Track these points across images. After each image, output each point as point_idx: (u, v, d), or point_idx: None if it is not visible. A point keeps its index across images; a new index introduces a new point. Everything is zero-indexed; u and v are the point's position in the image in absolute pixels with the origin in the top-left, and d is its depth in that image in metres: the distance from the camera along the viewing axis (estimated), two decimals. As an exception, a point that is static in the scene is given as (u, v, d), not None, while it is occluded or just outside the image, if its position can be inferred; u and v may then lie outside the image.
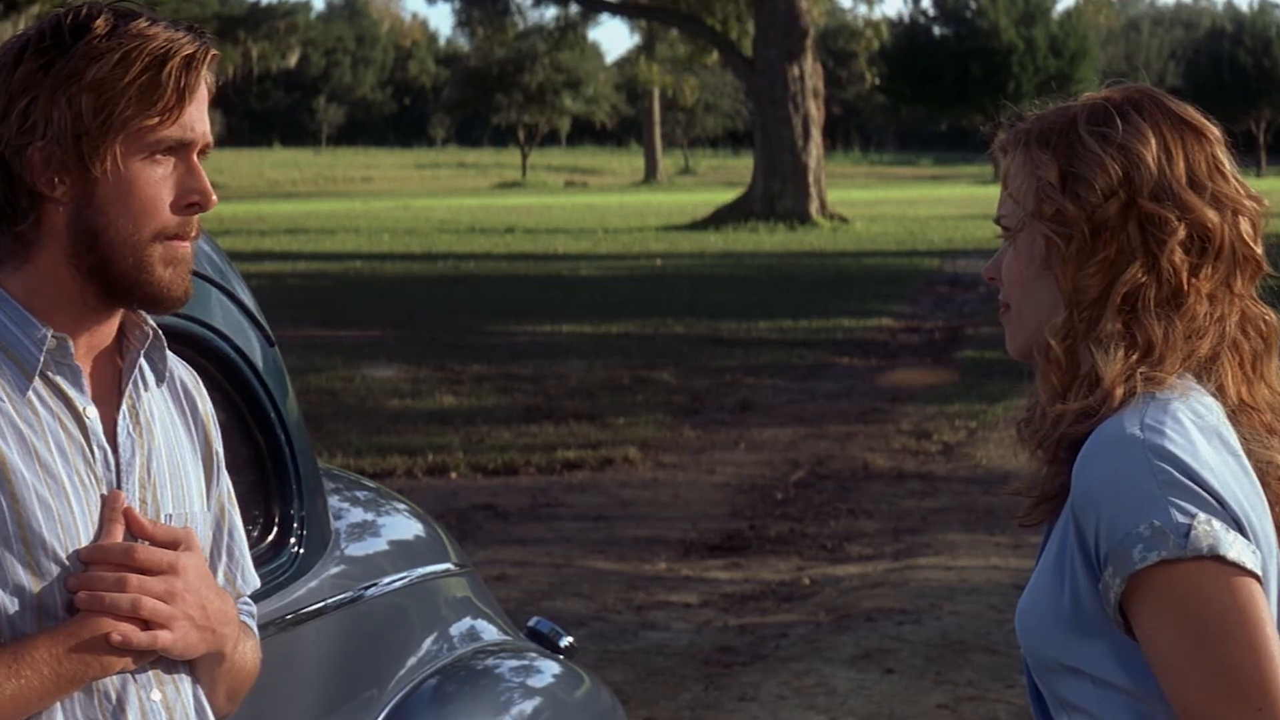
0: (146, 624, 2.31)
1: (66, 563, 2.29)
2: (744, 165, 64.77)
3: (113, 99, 2.27)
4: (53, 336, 2.31)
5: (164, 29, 2.31)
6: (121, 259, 2.32)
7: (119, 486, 2.35)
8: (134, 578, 2.30)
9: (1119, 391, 2.28)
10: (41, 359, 2.31)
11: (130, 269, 2.32)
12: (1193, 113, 2.39)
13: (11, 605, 2.27)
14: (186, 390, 2.53)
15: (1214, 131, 2.38)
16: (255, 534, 3.29)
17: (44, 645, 2.26)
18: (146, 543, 2.35)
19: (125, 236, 2.31)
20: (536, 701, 3.77)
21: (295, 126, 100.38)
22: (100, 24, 2.28)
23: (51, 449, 2.30)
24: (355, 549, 3.66)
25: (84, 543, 2.30)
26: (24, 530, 2.26)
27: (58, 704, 2.29)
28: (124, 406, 2.39)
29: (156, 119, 2.30)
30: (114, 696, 2.33)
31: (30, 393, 2.31)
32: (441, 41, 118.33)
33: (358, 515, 3.85)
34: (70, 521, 2.30)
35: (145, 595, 2.31)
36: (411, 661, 3.57)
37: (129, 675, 2.33)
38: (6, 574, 2.26)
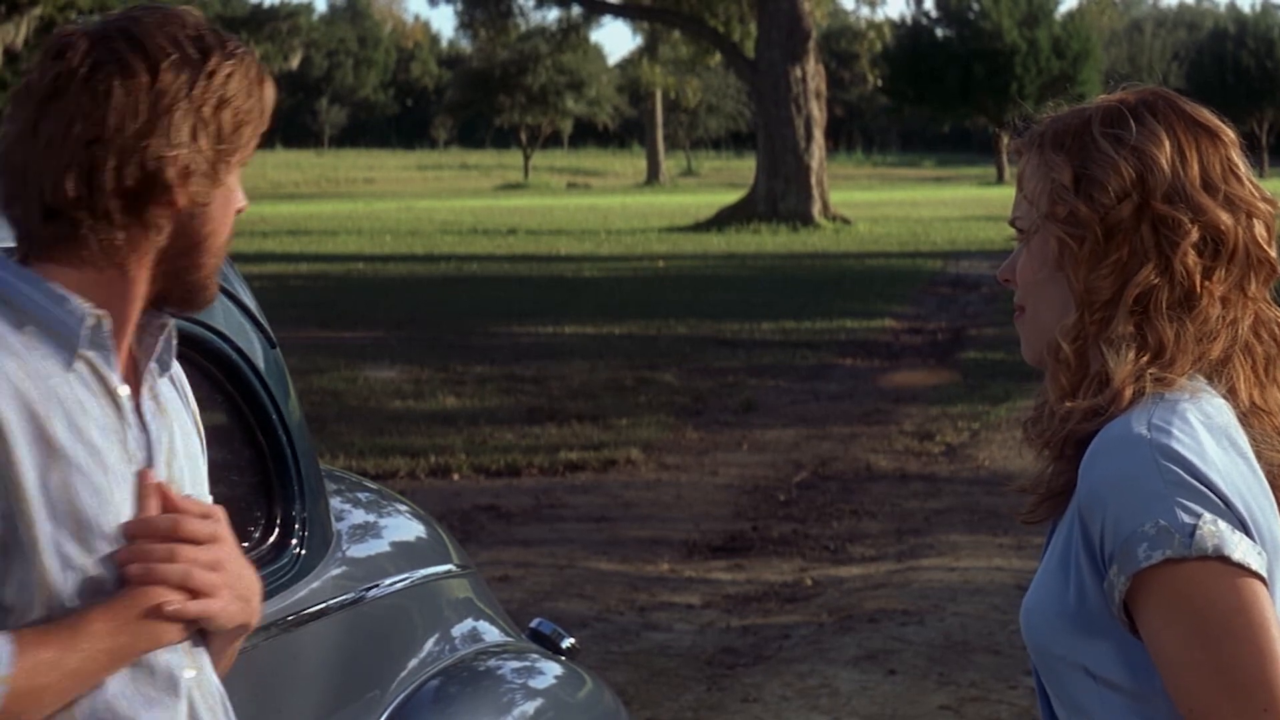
0: (193, 595, 2.32)
1: (114, 539, 2.30)
2: (746, 167, 64.79)
3: (246, 117, 2.37)
4: (92, 313, 2.32)
5: (239, 43, 2.39)
6: (209, 263, 2.40)
7: (149, 464, 2.37)
8: (183, 548, 2.32)
9: (1128, 391, 2.28)
10: (82, 334, 2.32)
11: (210, 273, 2.41)
12: (1207, 115, 2.39)
13: (67, 585, 2.27)
14: (181, 382, 2.55)
15: (1228, 134, 2.38)
16: (257, 535, 3.28)
17: (100, 618, 2.27)
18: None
19: (220, 242, 2.40)
20: (539, 703, 3.77)
21: (297, 128, 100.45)
22: (211, 39, 2.36)
23: (94, 427, 2.31)
24: (357, 550, 3.65)
25: (125, 519, 2.31)
26: (74, 509, 2.27)
27: (109, 678, 2.29)
28: (145, 388, 2.41)
29: (260, 134, 2.42)
30: (161, 669, 2.34)
31: (72, 371, 2.32)
32: (444, 43, 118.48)
33: (359, 516, 3.85)
34: (113, 499, 2.31)
35: (195, 565, 2.32)
36: (413, 663, 3.57)
37: (169, 649, 2.34)
38: (63, 554, 2.27)
